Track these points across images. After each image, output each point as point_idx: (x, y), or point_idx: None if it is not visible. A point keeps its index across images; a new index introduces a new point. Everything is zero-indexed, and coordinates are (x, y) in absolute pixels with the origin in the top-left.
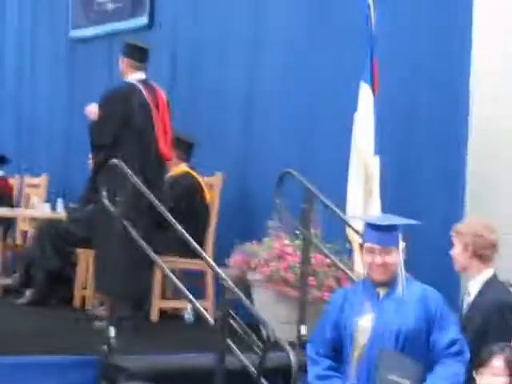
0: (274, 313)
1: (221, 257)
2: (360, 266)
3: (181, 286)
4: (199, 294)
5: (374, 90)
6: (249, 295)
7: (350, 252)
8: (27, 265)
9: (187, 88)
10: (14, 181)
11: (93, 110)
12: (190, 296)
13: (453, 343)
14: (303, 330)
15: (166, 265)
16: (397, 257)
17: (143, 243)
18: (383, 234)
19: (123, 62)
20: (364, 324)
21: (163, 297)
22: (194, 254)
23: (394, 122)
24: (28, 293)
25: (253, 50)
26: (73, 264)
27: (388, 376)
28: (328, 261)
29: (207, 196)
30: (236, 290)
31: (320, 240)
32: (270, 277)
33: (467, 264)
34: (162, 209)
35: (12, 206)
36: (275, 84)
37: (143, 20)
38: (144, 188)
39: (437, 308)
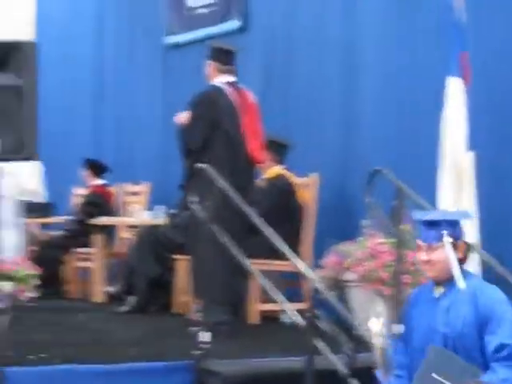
0: (370, 312)
1: (319, 257)
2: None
3: (272, 287)
4: (298, 295)
5: (465, 84)
6: (344, 296)
7: None
8: (128, 272)
9: (281, 90)
10: (114, 189)
11: (182, 117)
12: (281, 297)
13: (502, 348)
14: (397, 329)
15: (262, 267)
16: (443, 253)
17: (232, 247)
18: (427, 230)
19: (209, 66)
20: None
21: (264, 299)
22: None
23: (489, 115)
24: (130, 300)
25: (347, 49)
26: (172, 270)
27: (431, 374)
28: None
29: (301, 197)
30: (325, 290)
31: (413, 237)
32: (364, 276)
33: None
34: (250, 212)
35: (112, 215)
36: (370, 82)
37: (236, 24)
38: (232, 192)
39: (487, 309)
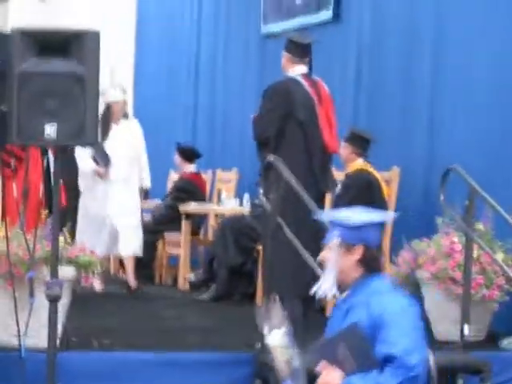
0: (443, 311)
1: (395, 253)
2: None
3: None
4: None
5: None
6: (418, 293)
7: None
8: (210, 260)
9: (371, 82)
10: (206, 176)
11: None
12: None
13: (389, 359)
14: (466, 329)
15: None
16: (333, 255)
17: (295, 240)
18: (330, 229)
19: (284, 58)
20: None
21: None
22: None
23: None
24: (211, 288)
25: (437, 42)
26: (255, 260)
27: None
28: (500, 258)
29: (385, 191)
30: None
31: (491, 237)
32: (436, 275)
33: None
34: (314, 206)
35: (204, 201)
36: (459, 78)
37: (328, 14)
38: (297, 186)
39: (377, 317)
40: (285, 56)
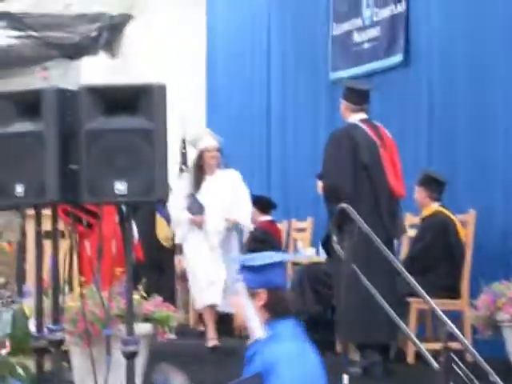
0: None
1: (474, 296)
2: None
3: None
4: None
5: None
6: (498, 337)
7: None
8: None
9: (444, 125)
10: (282, 226)
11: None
12: (412, 335)
13: None
14: None
15: (420, 306)
16: (241, 302)
17: (370, 285)
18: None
19: (342, 105)
20: None
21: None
22: (451, 295)
23: None
24: None
25: (509, 84)
26: (333, 308)
27: None
28: None
29: (462, 234)
30: (458, 334)
31: None
32: None
33: None
34: (388, 253)
35: (280, 251)
36: None
37: (398, 58)
38: (371, 233)
39: (268, 366)
40: (343, 104)
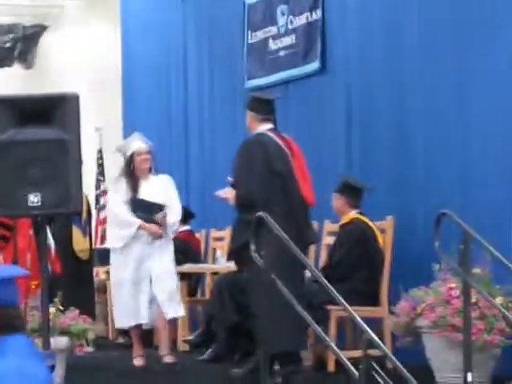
0: (445, 359)
1: (393, 303)
2: None
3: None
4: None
5: None
6: (418, 343)
7: None
8: (208, 320)
9: (362, 132)
10: (200, 236)
11: (225, 193)
12: (331, 343)
13: None
14: (469, 377)
15: (339, 313)
16: None
17: (289, 295)
18: None
19: (249, 116)
20: None
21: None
22: (371, 302)
23: None
24: (210, 349)
25: (427, 89)
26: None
27: None
28: (499, 302)
29: (380, 241)
30: (377, 340)
31: (488, 281)
32: (436, 322)
33: None
34: (306, 260)
35: (199, 261)
36: (451, 126)
37: (315, 65)
38: (288, 242)
39: None
40: (249, 115)
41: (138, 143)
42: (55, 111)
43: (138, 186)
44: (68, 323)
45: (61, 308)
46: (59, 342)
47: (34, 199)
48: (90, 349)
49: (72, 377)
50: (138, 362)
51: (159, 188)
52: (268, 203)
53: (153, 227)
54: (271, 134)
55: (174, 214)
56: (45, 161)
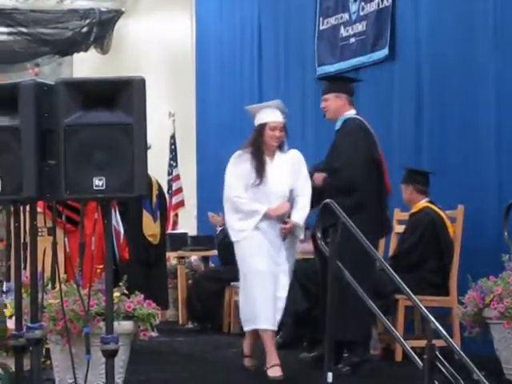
0: None
1: (462, 293)
2: None
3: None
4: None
5: None
6: (486, 333)
7: None
8: None
9: (433, 119)
10: None
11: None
12: (397, 333)
13: None
14: None
15: (408, 303)
16: None
17: (355, 284)
18: None
19: (340, 99)
20: None
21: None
22: (441, 292)
23: None
24: (278, 336)
25: (499, 75)
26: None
27: None
28: None
29: (451, 230)
30: (441, 330)
31: None
32: (504, 313)
33: None
34: (373, 249)
35: None
36: None
37: (384, 52)
38: (355, 229)
39: None
40: (340, 97)
41: (273, 114)
42: (121, 95)
43: (264, 166)
44: (133, 308)
45: (126, 292)
46: (123, 326)
47: (98, 183)
48: (154, 334)
49: (136, 361)
50: (274, 372)
51: (289, 168)
52: (366, 190)
53: (281, 208)
54: (362, 119)
55: (304, 203)
56: (109, 145)
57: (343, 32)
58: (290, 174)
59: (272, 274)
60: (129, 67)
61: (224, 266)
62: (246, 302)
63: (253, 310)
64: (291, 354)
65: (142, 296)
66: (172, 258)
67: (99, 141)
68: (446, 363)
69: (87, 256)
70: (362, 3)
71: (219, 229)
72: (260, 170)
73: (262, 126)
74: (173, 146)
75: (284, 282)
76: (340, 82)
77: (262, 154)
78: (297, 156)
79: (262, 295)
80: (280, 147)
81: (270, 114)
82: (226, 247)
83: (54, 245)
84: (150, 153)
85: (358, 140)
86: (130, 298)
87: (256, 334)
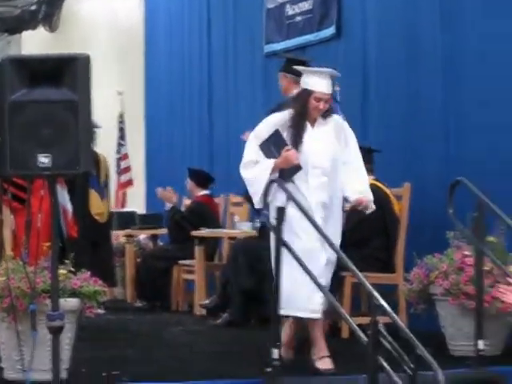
0: (457, 327)
1: (408, 270)
2: None
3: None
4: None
5: None
6: (431, 310)
7: None
8: (224, 285)
9: (379, 97)
10: (219, 201)
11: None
12: (341, 310)
13: None
14: (481, 345)
15: (354, 279)
16: None
17: (302, 261)
18: None
19: (285, 78)
20: None
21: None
22: (387, 269)
23: None
24: (225, 314)
25: (446, 52)
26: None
27: None
28: None
29: (396, 208)
30: (385, 306)
31: (502, 249)
32: (449, 290)
33: None
34: (317, 225)
35: (217, 226)
36: (472, 91)
37: (331, 31)
38: (301, 205)
39: None
40: (286, 77)
41: (322, 83)
42: (66, 72)
43: (302, 135)
44: (79, 285)
45: (72, 270)
46: (69, 303)
47: (44, 160)
48: (100, 311)
49: (83, 338)
50: (325, 365)
51: (331, 137)
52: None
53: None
54: None
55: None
56: (55, 122)
57: (289, 10)
58: (333, 144)
59: None
60: (77, 45)
61: (173, 244)
62: None
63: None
64: (239, 332)
65: (89, 273)
66: (120, 236)
67: (45, 118)
68: (389, 339)
69: (33, 233)
70: None
71: (169, 206)
72: (297, 137)
73: (308, 93)
74: (121, 125)
75: None
76: (287, 63)
77: (303, 122)
78: (340, 124)
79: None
80: (324, 115)
81: (318, 83)
82: (176, 225)
83: (0, 222)
84: (98, 132)
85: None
86: (77, 276)
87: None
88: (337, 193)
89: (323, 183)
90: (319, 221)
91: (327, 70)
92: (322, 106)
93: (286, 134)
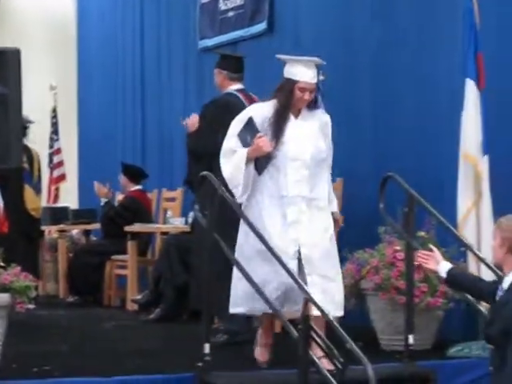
0: (388, 322)
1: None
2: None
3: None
4: None
5: (479, 86)
6: (362, 305)
7: (465, 256)
8: (156, 280)
9: None
10: (152, 196)
11: (193, 120)
12: (273, 305)
13: None
14: (411, 339)
15: None
16: None
17: (232, 256)
18: None
19: (220, 74)
20: None
21: None
22: None
23: (503, 118)
24: (158, 309)
25: (377, 48)
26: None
27: None
28: None
29: None
30: (314, 300)
31: (433, 244)
32: (380, 285)
33: (502, 259)
34: (247, 219)
35: (150, 221)
36: (402, 86)
37: (263, 26)
38: (232, 200)
39: None
40: (221, 73)
41: (307, 72)
42: None
43: (283, 127)
44: (10, 280)
45: (2, 265)
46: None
47: None
48: (31, 306)
49: (14, 334)
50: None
51: (315, 131)
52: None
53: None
54: (239, 95)
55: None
56: None
57: (222, 5)
58: (315, 137)
59: None
60: (10, 40)
61: (106, 239)
62: None
63: None
64: (171, 327)
65: (19, 268)
66: (53, 231)
67: None
68: (319, 332)
69: None
70: None
71: (104, 201)
72: (278, 129)
73: (292, 83)
74: (54, 120)
75: None
76: (221, 59)
77: (287, 113)
78: (325, 120)
79: None
80: (309, 107)
81: (303, 72)
82: (110, 220)
83: None
84: (31, 126)
85: (213, 113)
86: (7, 271)
87: None
88: (320, 187)
89: (303, 176)
90: (298, 216)
91: (312, 59)
92: (306, 96)
93: (267, 125)
